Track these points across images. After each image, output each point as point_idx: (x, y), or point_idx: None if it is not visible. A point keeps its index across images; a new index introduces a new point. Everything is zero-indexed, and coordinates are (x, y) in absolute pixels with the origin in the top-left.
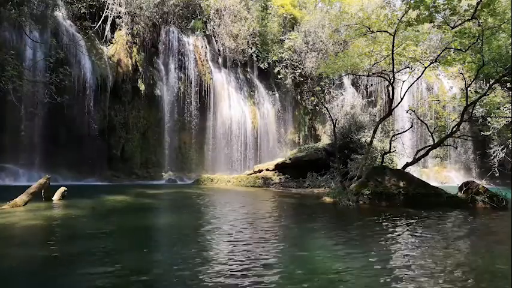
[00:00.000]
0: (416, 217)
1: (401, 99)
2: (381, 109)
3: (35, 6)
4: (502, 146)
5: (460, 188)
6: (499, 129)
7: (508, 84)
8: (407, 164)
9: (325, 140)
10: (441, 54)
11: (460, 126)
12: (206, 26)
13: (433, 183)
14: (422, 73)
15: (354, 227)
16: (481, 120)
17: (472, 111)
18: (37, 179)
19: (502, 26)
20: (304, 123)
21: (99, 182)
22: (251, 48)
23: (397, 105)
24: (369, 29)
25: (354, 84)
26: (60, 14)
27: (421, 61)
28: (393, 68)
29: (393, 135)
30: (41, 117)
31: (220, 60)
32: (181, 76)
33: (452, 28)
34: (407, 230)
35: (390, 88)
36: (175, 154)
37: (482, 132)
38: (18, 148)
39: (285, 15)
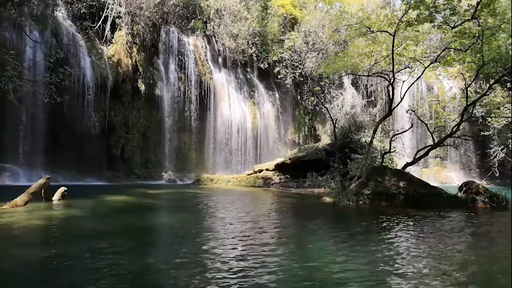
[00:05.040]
0: (416, 217)
1: (401, 99)
2: (381, 109)
3: (35, 6)
4: (502, 146)
5: (460, 188)
6: (499, 129)
7: (508, 84)
8: (407, 164)
9: (325, 140)
10: (441, 54)
11: (460, 126)
12: (206, 26)
13: (433, 183)
14: (422, 73)
15: (353, 227)
16: (481, 120)
17: (472, 111)
18: (37, 179)
19: (502, 26)
20: (304, 123)
21: (99, 182)
22: (251, 48)
23: (397, 105)
24: (369, 29)
25: (354, 84)
26: (60, 14)
27: (421, 61)
28: (393, 68)
29: (393, 135)
30: (41, 117)
31: (220, 60)
32: (181, 76)
33: (452, 28)
34: (407, 230)
35: (390, 88)
36: (175, 154)
37: (482, 132)
38: (18, 148)
39: (285, 15)
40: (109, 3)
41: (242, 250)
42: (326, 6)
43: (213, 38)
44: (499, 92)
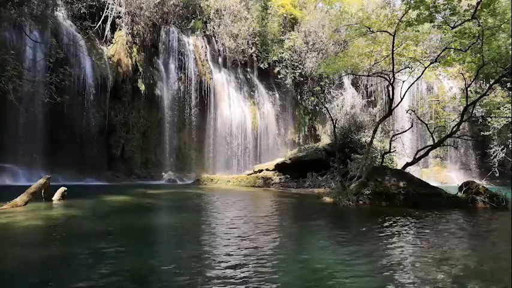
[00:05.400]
0: (416, 217)
1: (401, 99)
2: (381, 109)
3: (35, 6)
4: (502, 146)
5: (460, 188)
6: (499, 129)
7: (508, 84)
8: (407, 164)
9: (325, 140)
10: (441, 54)
11: (460, 126)
12: (206, 26)
13: (433, 183)
14: (422, 73)
15: (353, 227)
16: (481, 120)
17: (472, 111)
18: (37, 179)
19: (502, 26)
20: (304, 123)
21: (99, 182)
22: (251, 48)
23: (397, 105)
24: (369, 29)
25: (354, 84)
26: (60, 14)
27: (421, 61)
28: (393, 68)
29: (393, 135)
30: (41, 117)
31: (220, 60)
32: (181, 76)
33: (452, 28)
34: (407, 230)
35: (390, 88)
36: (175, 154)
37: (482, 132)
38: (18, 148)
39: (285, 15)
40: (109, 3)
41: (243, 251)
42: (326, 6)
43: (213, 38)
44: (499, 92)
